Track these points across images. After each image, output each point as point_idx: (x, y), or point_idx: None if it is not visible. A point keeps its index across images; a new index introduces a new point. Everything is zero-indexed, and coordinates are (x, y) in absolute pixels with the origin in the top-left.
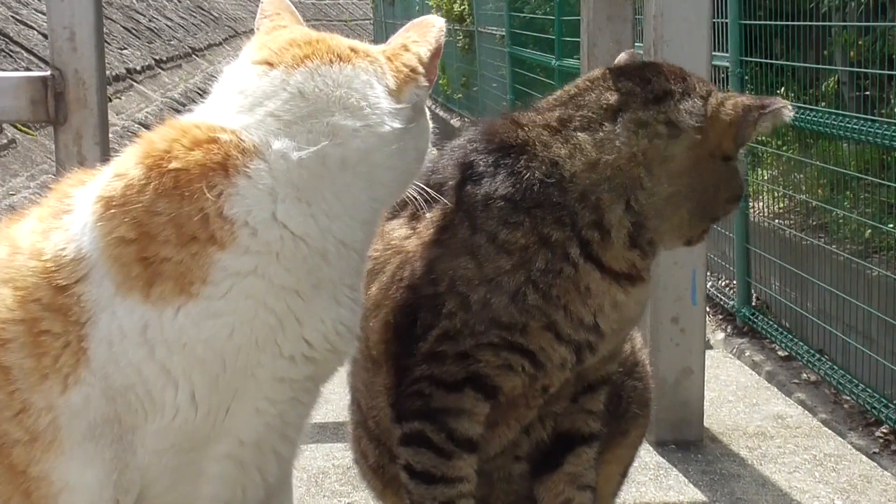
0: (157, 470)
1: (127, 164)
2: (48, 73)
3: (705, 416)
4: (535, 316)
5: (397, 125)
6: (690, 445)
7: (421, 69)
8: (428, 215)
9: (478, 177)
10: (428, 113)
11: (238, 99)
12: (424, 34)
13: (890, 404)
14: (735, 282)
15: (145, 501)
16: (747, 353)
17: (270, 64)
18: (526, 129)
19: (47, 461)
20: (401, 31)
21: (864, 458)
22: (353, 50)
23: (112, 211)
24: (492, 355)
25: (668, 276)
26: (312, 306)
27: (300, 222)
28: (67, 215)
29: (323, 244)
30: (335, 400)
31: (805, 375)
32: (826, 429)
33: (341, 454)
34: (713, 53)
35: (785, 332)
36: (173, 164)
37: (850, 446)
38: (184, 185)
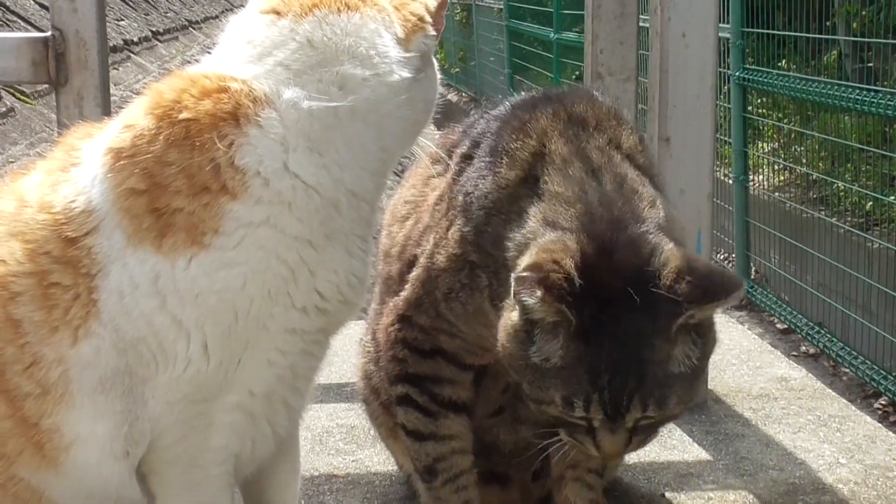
0: (168, 421)
1: (136, 115)
2: (49, 33)
3: (709, 379)
4: (460, 319)
5: (406, 74)
6: (694, 406)
7: (428, 18)
8: (447, 175)
9: (471, 165)
10: (436, 64)
11: (246, 49)
12: None
13: (889, 376)
14: (734, 255)
15: (155, 453)
16: (746, 326)
17: (278, 13)
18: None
19: (58, 414)
20: None
21: (869, 418)
22: None
23: (122, 162)
24: (447, 337)
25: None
26: (325, 257)
27: (312, 172)
28: (76, 168)
29: (335, 194)
30: (338, 362)
31: (804, 348)
32: (830, 390)
33: (345, 414)
34: None
35: (784, 305)
36: (184, 115)
37: (853, 407)
38: (194, 134)
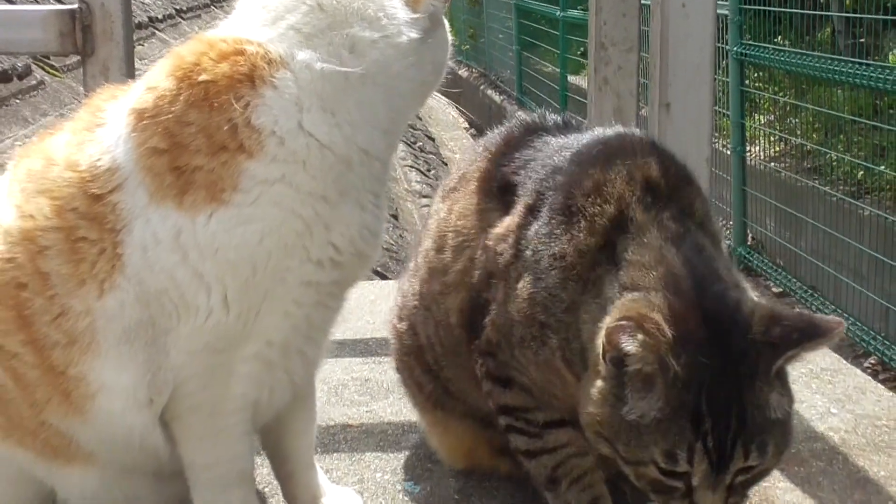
0: (190, 371)
1: (158, 78)
2: (76, 6)
3: None
4: (530, 364)
5: (414, 35)
6: None
7: None
8: (509, 219)
9: (538, 219)
10: (447, 26)
11: (261, 13)
12: None
13: (878, 336)
14: (731, 222)
15: (177, 401)
16: None
17: None
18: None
19: (85, 363)
20: None
21: (859, 371)
22: None
23: (145, 122)
24: (517, 374)
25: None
26: (339, 212)
27: (325, 131)
28: (101, 128)
29: (347, 152)
30: (353, 320)
31: (798, 310)
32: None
33: (359, 368)
34: None
35: (779, 270)
36: (202, 77)
37: (844, 361)
38: (213, 95)
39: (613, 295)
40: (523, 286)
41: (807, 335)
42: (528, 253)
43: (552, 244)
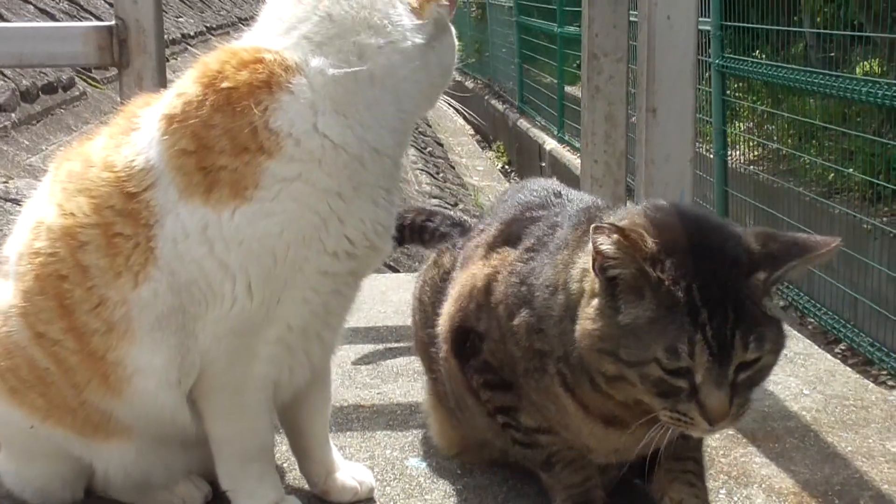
0: (216, 353)
1: (186, 84)
2: (113, 22)
3: None
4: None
5: (419, 40)
6: None
7: None
8: (498, 256)
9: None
10: (454, 31)
11: (277, 24)
12: None
13: (847, 325)
14: None
15: (204, 381)
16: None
17: None
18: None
19: (121, 348)
20: None
21: (829, 356)
22: None
23: (174, 126)
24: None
25: (660, 195)
26: (353, 207)
27: (339, 132)
28: (135, 132)
29: (360, 151)
30: (366, 308)
31: (775, 300)
32: (796, 332)
33: (371, 353)
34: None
35: None
36: (225, 84)
37: (816, 346)
38: (234, 101)
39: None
40: (518, 321)
41: (805, 248)
42: (524, 288)
43: (542, 274)
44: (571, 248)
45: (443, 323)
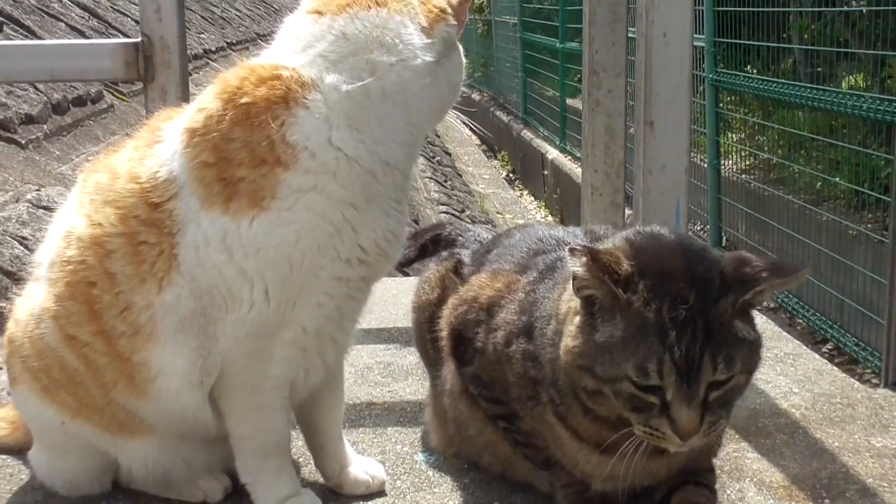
0: (235, 354)
1: (207, 99)
2: (139, 39)
3: None
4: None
5: (429, 58)
6: None
7: (450, 10)
8: (503, 279)
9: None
10: (462, 50)
11: (294, 43)
12: None
13: (834, 325)
14: (708, 226)
15: (224, 381)
16: None
17: (319, 13)
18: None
19: (147, 350)
20: None
21: (817, 356)
22: None
23: (196, 139)
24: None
25: (657, 203)
26: (365, 217)
27: (352, 146)
28: (159, 145)
29: (372, 164)
30: (377, 311)
31: (765, 303)
32: (786, 334)
33: (382, 353)
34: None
35: None
36: (244, 99)
37: (805, 347)
38: (253, 115)
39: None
40: (515, 348)
41: (775, 274)
42: (524, 318)
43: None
44: (568, 278)
45: (443, 323)
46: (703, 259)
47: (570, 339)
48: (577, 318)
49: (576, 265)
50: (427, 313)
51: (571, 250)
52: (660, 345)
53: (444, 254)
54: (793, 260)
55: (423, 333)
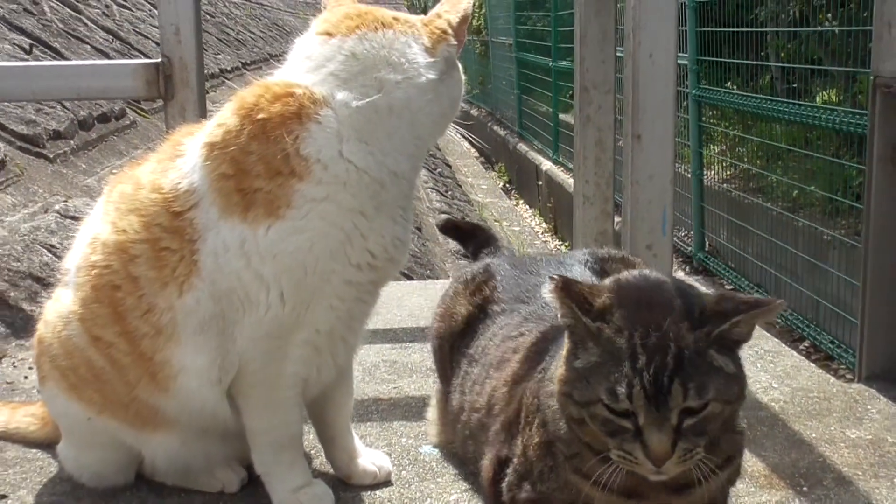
0: (252, 354)
1: (225, 116)
2: (159, 59)
3: None
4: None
5: (432, 76)
6: None
7: (451, 31)
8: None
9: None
10: (461, 68)
11: (306, 63)
12: (455, 5)
13: (811, 324)
14: (692, 232)
15: (241, 378)
16: (702, 287)
17: (329, 34)
18: None
19: (168, 350)
20: (438, 5)
21: (795, 353)
22: (395, 18)
23: (216, 153)
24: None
25: (644, 211)
26: (374, 224)
27: (362, 158)
28: (180, 158)
29: (380, 174)
30: (384, 313)
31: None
32: (766, 333)
33: (389, 352)
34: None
35: (730, 270)
36: (260, 115)
37: (784, 345)
38: (269, 130)
39: None
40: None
41: (750, 306)
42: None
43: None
44: None
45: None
46: (685, 294)
47: (559, 370)
48: (564, 350)
49: (547, 295)
50: (449, 344)
51: (549, 279)
52: (630, 369)
53: (470, 274)
54: (770, 297)
55: (445, 359)
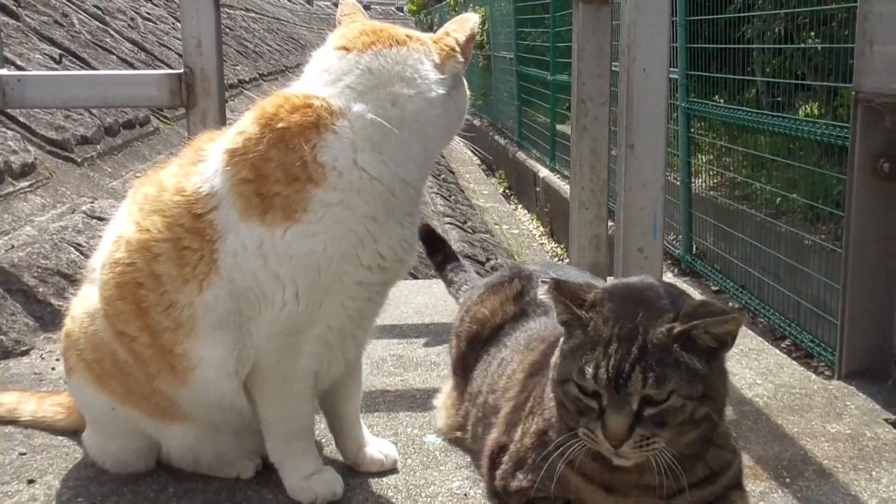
0: (267, 349)
1: (246, 124)
2: (182, 70)
3: None
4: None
5: (441, 91)
6: None
7: (458, 49)
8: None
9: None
10: (466, 83)
11: (324, 76)
12: (462, 25)
13: (792, 324)
14: (680, 236)
15: (257, 372)
16: (690, 288)
17: (347, 49)
18: None
19: (188, 343)
20: (446, 24)
21: (778, 351)
22: (408, 36)
23: (236, 159)
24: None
25: (636, 216)
26: (385, 229)
27: (375, 167)
28: (202, 163)
29: (391, 182)
30: (391, 310)
31: (731, 304)
32: (750, 331)
33: (395, 347)
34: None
35: (717, 273)
36: (280, 124)
37: (767, 343)
38: (288, 139)
39: None
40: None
41: (710, 315)
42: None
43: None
44: None
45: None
46: (672, 297)
47: (555, 359)
48: (561, 340)
49: (542, 294)
50: (480, 342)
51: (542, 282)
52: (602, 353)
53: (504, 278)
54: (733, 308)
55: (468, 357)
